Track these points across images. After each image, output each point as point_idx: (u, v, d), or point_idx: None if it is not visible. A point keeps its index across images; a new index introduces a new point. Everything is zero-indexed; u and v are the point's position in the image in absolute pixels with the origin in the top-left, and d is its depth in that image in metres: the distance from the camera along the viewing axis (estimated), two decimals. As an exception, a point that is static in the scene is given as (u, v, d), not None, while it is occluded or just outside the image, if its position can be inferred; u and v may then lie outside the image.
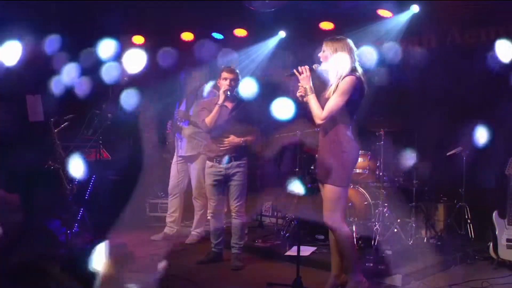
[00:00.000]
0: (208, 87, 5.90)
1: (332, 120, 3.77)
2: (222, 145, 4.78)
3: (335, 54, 3.81)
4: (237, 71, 4.91)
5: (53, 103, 5.83)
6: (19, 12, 5.42)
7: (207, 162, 4.93)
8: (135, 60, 5.89)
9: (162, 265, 4.53)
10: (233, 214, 4.90)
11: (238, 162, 4.82)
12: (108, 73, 6.03)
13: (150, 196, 7.03)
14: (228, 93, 4.76)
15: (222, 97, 4.75)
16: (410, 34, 6.11)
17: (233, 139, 4.77)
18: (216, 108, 4.73)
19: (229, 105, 4.83)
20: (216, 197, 4.90)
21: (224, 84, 4.77)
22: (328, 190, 3.80)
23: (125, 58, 5.91)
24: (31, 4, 5.49)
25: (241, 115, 4.84)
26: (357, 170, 5.36)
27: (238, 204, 4.86)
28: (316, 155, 5.63)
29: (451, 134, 5.66)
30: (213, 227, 4.98)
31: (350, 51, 3.81)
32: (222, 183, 4.87)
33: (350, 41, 3.87)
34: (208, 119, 4.75)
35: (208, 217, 5.35)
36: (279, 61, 7.06)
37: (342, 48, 3.81)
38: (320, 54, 3.89)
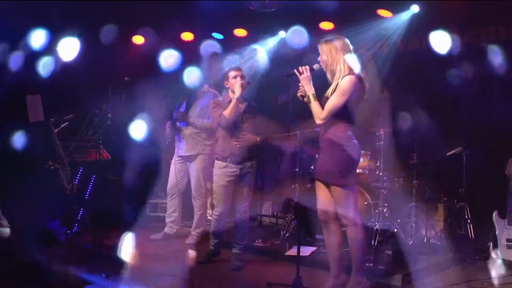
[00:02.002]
0: (207, 87, 5.91)
1: (333, 119, 3.77)
2: (238, 142, 4.76)
3: (331, 55, 3.81)
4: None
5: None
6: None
7: (219, 162, 4.86)
8: (69, 49, 5.90)
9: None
10: (239, 214, 4.90)
11: (251, 163, 4.84)
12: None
13: (150, 196, 7.03)
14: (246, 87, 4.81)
15: (239, 90, 4.74)
16: (410, 34, 6.11)
17: (249, 137, 4.79)
18: (234, 100, 4.72)
19: (241, 105, 4.84)
20: (226, 199, 4.84)
21: (237, 81, 4.78)
22: (336, 191, 3.81)
23: (60, 47, 5.92)
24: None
25: (252, 116, 4.88)
26: (357, 170, 5.35)
27: (245, 204, 4.86)
28: (316, 156, 5.70)
29: (451, 134, 5.66)
30: (216, 229, 4.93)
31: (345, 51, 3.82)
32: (233, 184, 4.84)
33: (345, 40, 3.87)
34: (227, 112, 4.71)
35: (209, 217, 5.35)
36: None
37: (337, 48, 3.81)
38: (319, 58, 3.90)
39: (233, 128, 4.78)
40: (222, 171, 4.82)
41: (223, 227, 4.97)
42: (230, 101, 4.80)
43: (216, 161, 4.91)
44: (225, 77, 4.91)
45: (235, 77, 4.83)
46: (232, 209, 5.02)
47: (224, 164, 4.81)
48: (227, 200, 4.85)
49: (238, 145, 4.76)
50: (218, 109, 4.83)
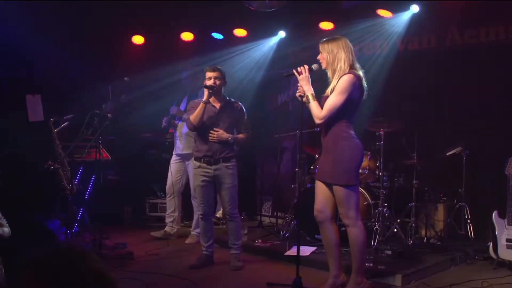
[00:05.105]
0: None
1: (333, 119, 3.77)
2: (210, 138, 4.69)
3: (332, 54, 3.81)
4: (221, 69, 4.81)
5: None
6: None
7: (194, 162, 4.84)
8: None
9: None
10: (227, 216, 4.87)
11: (226, 164, 4.73)
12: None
13: (150, 196, 7.04)
14: (211, 90, 4.67)
15: (206, 93, 4.67)
16: (410, 34, 6.11)
17: (222, 133, 4.69)
18: (201, 105, 4.65)
19: (217, 104, 4.79)
20: (205, 198, 4.81)
21: (208, 83, 4.71)
22: (338, 191, 3.80)
23: None
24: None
25: (230, 116, 4.80)
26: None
27: (230, 206, 4.79)
28: (316, 155, 5.70)
29: (451, 134, 5.66)
30: (203, 229, 4.92)
31: (347, 50, 3.81)
32: (211, 184, 4.79)
33: (346, 40, 3.87)
34: (193, 116, 4.66)
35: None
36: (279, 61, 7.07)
37: (338, 47, 3.81)
38: (319, 56, 3.90)
39: (204, 130, 4.71)
40: (197, 171, 4.80)
41: (210, 227, 4.93)
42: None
43: (192, 161, 4.91)
44: (204, 76, 4.83)
45: (209, 78, 4.72)
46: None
47: (198, 164, 4.78)
48: (206, 200, 4.82)
49: (209, 141, 4.69)
50: (191, 111, 4.78)
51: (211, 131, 4.70)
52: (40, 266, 1.32)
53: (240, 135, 4.83)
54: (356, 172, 3.88)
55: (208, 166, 4.73)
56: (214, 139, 4.69)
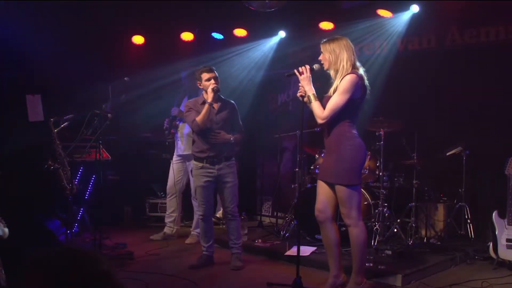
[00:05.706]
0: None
1: (336, 119, 3.76)
2: (213, 139, 4.69)
3: (334, 54, 3.81)
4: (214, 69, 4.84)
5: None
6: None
7: (196, 163, 4.82)
8: None
9: None
10: (229, 215, 4.87)
11: (228, 163, 4.76)
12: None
13: (150, 196, 7.04)
14: (217, 92, 4.70)
15: (211, 95, 4.66)
16: (410, 34, 6.11)
17: (224, 135, 4.72)
18: (207, 106, 4.64)
19: (215, 105, 4.78)
20: (206, 199, 4.81)
21: (210, 84, 4.69)
22: (341, 191, 3.80)
23: None
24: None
25: (228, 115, 4.82)
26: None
27: (232, 205, 4.80)
28: (316, 155, 5.70)
29: (451, 134, 5.66)
30: (203, 230, 4.92)
31: (348, 50, 3.81)
32: (212, 184, 4.80)
33: (347, 40, 3.87)
34: (200, 118, 4.64)
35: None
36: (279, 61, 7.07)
37: (340, 47, 3.81)
38: (320, 57, 3.90)
39: (207, 129, 4.71)
40: (199, 172, 4.78)
41: (210, 228, 4.94)
42: (203, 102, 4.72)
43: (193, 162, 4.89)
44: (198, 78, 4.80)
45: (208, 79, 4.71)
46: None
47: (201, 164, 4.77)
48: (209, 201, 4.84)
49: (212, 142, 4.69)
50: (192, 112, 4.75)
51: (214, 133, 4.71)
52: (46, 267, 1.33)
53: (238, 135, 4.85)
54: (359, 172, 3.88)
55: (211, 166, 4.74)
56: (218, 140, 4.71)
